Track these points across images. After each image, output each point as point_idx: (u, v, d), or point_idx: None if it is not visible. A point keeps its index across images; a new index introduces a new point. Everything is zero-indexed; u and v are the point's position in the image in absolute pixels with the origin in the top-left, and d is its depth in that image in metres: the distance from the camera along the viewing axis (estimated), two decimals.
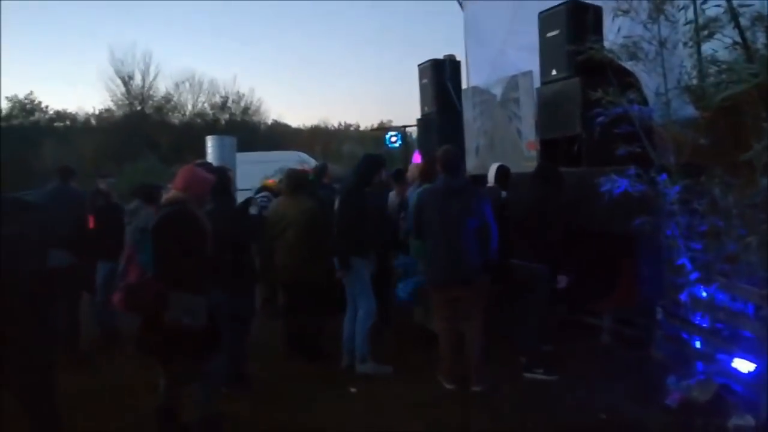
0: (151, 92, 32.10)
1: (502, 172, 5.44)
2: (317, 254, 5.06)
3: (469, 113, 7.57)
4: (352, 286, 4.96)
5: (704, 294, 3.89)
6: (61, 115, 35.57)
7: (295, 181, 5.42)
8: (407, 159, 11.55)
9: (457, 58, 8.93)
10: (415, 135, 11.57)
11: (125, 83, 31.30)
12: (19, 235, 2.93)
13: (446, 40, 44.86)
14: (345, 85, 61.71)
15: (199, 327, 3.26)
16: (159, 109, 32.55)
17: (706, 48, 4.00)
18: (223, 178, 4.39)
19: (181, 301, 3.19)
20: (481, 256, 4.38)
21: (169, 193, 3.48)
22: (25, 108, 34.08)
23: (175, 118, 33.21)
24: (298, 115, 78.77)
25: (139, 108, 31.80)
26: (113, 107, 32.50)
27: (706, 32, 3.93)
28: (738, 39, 3.82)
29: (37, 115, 34.72)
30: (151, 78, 31.66)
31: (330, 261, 4.98)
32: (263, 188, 7.33)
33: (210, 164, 5.80)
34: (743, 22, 3.81)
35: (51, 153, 27.11)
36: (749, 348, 3.53)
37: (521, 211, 4.90)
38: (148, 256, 3.24)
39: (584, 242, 4.90)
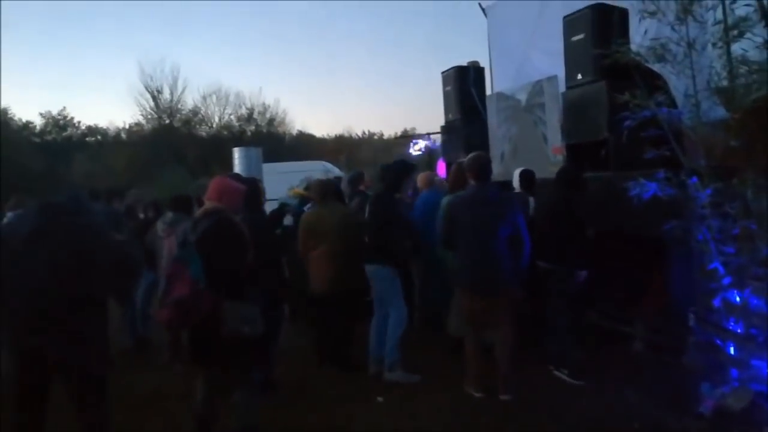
0: (179, 106, 32.78)
1: (525, 176, 5.41)
2: (352, 263, 5.07)
3: (493, 119, 7.54)
4: (383, 293, 4.94)
5: (738, 299, 3.79)
6: (92, 130, 36.50)
7: (324, 189, 5.44)
8: (431, 167, 11.53)
9: (481, 65, 8.92)
10: (438, 142, 11.54)
11: (154, 98, 32.01)
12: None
13: (470, 47, 44.89)
14: (368, 93, 62.10)
15: (256, 335, 3.28)
16: (187, 122, 33.14)
17: (736, 48, 3.92)
18: (254, 188, 4.44)
19: (237, 311, 3.23)
20: (514, 264, 4.35)
21: (205, 204, 3.52)
22: (59, 124, 35.03)
23: (203, 131, 33.78)
24: (322, 125, 79.68)
25: (167, 121, 32.43)
26: (143, 121, 33.27)
27: (735, 32, 3.84)
28: None
29: (69, 130, 35.67)
30: (179, 92, 32.34)
31: (362, 269, 4.98)
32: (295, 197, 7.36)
33: (240, 175, 5.87)
34: None
35: (84, 167, 27.80)
36: None
37: (544, 215, 4.85)
38: (197, 268, 3.21)
39: (614, 247, 4.83)
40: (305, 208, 6.36)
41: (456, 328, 5.43)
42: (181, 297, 3.13)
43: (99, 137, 36.36)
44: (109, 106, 53.36)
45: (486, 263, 4.36)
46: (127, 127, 35.19)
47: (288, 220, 5.48)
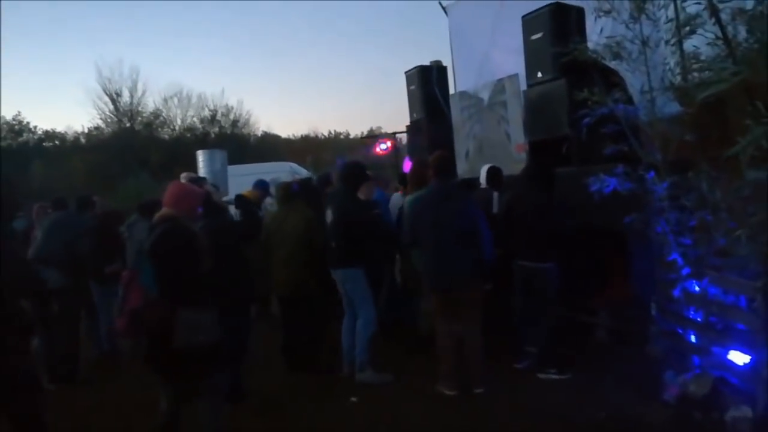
0: (139, 108, 32.04)
1: (492, 173, 5.48)
2: (316, 265, 5.05)
3: (457, 118, 7.60)
4: (351, 294, 4.95)
5: (697, 288, 3.92)
6: (50, 135, 35.45)
7: (288, 192, 5.41)
8: (398, 165, 11.57)
9: (444, 64, 8.98)
10: (405, 141, 11.58)
11: (113, 100, 31.23)
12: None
13: (434, 46, 45.06)
14: (333, 93, 61.79)
15: (211, 343, 3.24)
16: (148, 125, 32.48)
17: (688, 45, 4.04)
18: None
19: (190, 319, 3.18)
20: (476, 258, 4.40)
21: (161, 210, 3.47)
22: (14, 129, 33.95)
23: (165, 134, 33.14)
24: (287, 126, 78.94)
25: (128, 125, 31.72)
26: (102, 125, 32.45)
27: (687, 29, 3.96)
28: (719, 34, 3.87)
29: (25, 135, 34.60)
30: (139, 94, 31.61)
31: (326, 271, 4.98)
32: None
33: (204, 178, 5.81)
34: (723, 17, 3.85)
35: (41, 173, 27.02)
36: (743, 340, 3.56)
37: (515, 212, 4.92)
38: (148, 277, 3.19)
39: (577, 241, 4.92)
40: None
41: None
42: (135, 307, 3.11)
43: (57, 142, 35.35)
44: (66, 110, 51.98)
45: (449, 259, 4.42)
46: (85, 131, 34.28)
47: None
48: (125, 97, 31.39)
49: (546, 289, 4.77)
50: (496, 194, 5.38)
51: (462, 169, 7.33)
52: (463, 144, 7.46)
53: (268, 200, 6.81)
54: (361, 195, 5.11)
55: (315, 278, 5.08)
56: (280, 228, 5.20)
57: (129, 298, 3.20)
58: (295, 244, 5.09)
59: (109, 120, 31.94)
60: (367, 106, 60.34)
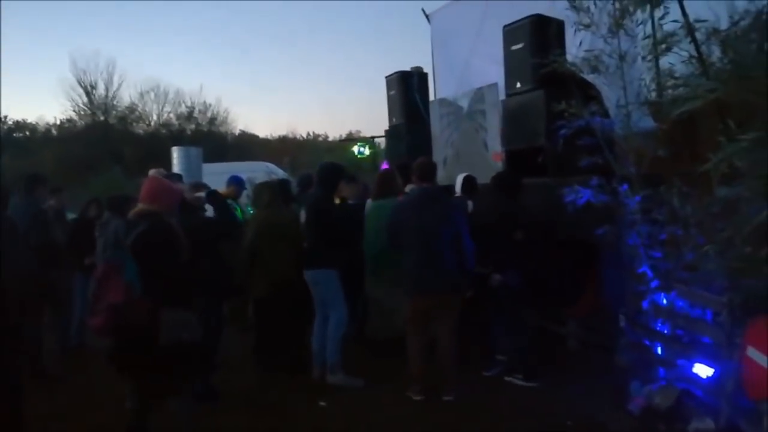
0: (114, 102, 31.61)
1: (468, 181, 5.51)
2: (298, 266, 5.02)
3: (436, 125, 7.63)
4: (323, 295, 4.93)
5: (664, 301, 3.98)
6: (20, 126, 34.75)
7: (273, 192, 5.36)
8: (375, 169, 11.58)
9: (425, 70, 9.02)
10: (383, 146, 11.60)
11: (88, 93, 30.77)
12: None
13: (415, 52, 45.25)
14: (313, 95, 61.76)
15: (195, 341, 3.19)
16: (123, 119, 32.02)
17: (664, 62, 4.12)
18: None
19: (175, 317, 3.13)
20: (458, 264, 4.42)
21: (138, 206, 3.40)
22: None
23: (140, 129, 32.72)
24: (265, 125, 78.58)
25: (102, 118, 31.24)
26: (75, 117, 31.90)
27: (663, 46, 4.04)
28: (694, 53, 3.95)
29: None
30: (114, 87, 31.20)
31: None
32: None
33: (178, 175, 5.72)
34: (699, 36, 3.94)
35: (10, 164, 26.38)
36: (708, 353, 3.62)
37: (482, 220, 4.94)
38: (132, 274, 3.11)
39: (550, 251, 4.97)
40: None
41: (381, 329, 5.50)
42: (116, 303, 3.03)
43: (27, 133, 34.66)
44: (38, 101, 50.89)
45: (430, 263, 4.42)
46: (58, 122, 33.67)
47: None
48: (100, 89, 30.98)
49: (511, 298, 4.79)
50: (470, 203, 5.40)
51: (440, 175, 7.34)
52: (441, 151, 7.50)
53: (245, 198, 6.74)
54: (347, 196, 5.19)
55: (299, 278, 5.04)
56: (266, 228, 5.12)
57: (106, 294, 3.10)
58: (283, 245, 5.03)
59: (82, 112, 31.46)
60: (347, 109, 60.41)
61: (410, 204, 4.64)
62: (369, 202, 5.95)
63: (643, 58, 4.21)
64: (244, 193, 6.59)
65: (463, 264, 4.45)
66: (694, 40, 3.97)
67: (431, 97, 8.70)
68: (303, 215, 5.04)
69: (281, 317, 5.15)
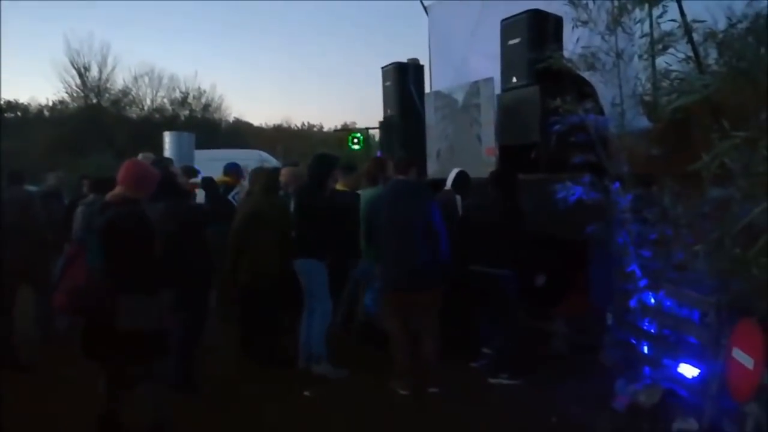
0: (108, 85, 31.18)
1: (461, 177, 5.47)
2: (285, 256, 4.98)
3: (431, 117, 7.60)
4: (309, 286, 4.91)
5: (652, 300, 3.99)
6: (12, 106, 34.27)
7: (269, 180, 5.31)
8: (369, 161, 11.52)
9: (421, 62, 8.98)
10: (378, 137, 11.55)
11: (81, 75, 30.32)
12: None
13: (412, 44, 45.10)
14: (309, 85, 61.40)
15: (151, 330, 3.15)
16: (116, 102, 31.67)
17: (660, 61, 4.12)
18: (167, 173, 4.29)
19: (133, 304, 3.09)
20: (432, 259, 4.34)
21: (116, 189, 3.35)
22: None
23: (133, 113, 32.37)
24: (260, 114, 78.07)
25: (95, 101, 30.86)
26: (68, 99, 31.51)
27: (660, 46, 4.04)
28: (691, 53, 3.94)
29: None
30: (108, 70, 30.75)
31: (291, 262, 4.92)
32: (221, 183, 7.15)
33: (170, 159, 5.66)
34: (696, 37, 3.93)
35: (1, 145, 26.13)
36: (694, 353, 3.64)
37: (477, 217, 4.92)
38: (94, 256, 3.09)
39: (539, 248, 4.96)
40: (231, 196, 6.22)
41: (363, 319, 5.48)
42: (77, 284, 3.01)
43: (19, 113, 34.27)
44: (30, 81, 50.25)
45: (405, 258, 4.36)
46: (50, 104, 33.28)
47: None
48: (94, 72, 30.53)
49: (503, 296, 4.77)
50: (459, 198, 5.36)
51: (432, 169, 7.34)
52: (435, 144, 7.48)
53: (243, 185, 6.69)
54: (346, 186, 5.24)
55: (289, 266, 5.01)
56: (252, 216, 5.05)
57: (69, 273, 3.08)
58: (269, 234, 4.96)
59: (75, 94, 31.04)
60: (342, 100, 60.27)
61: (383, 198, 4.59)
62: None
63: (640, 56, 4.20)
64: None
65: (436, 257, 4.35)
66: (691, 41, 3.97)
67: (427, 90, 8.66)
68: (292, 204, 5.01)
69: (266, 307, 5.10)
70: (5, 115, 33.41)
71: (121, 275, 3.09)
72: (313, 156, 5.33)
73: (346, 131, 18.16)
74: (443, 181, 5.74)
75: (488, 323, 4.98)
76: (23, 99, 35.70)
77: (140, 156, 5.60)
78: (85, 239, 3.16)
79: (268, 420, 4.11)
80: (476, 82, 6.71)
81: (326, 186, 4.94)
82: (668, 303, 3.88)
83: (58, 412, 4.12)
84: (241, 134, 34.21)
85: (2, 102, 33.20)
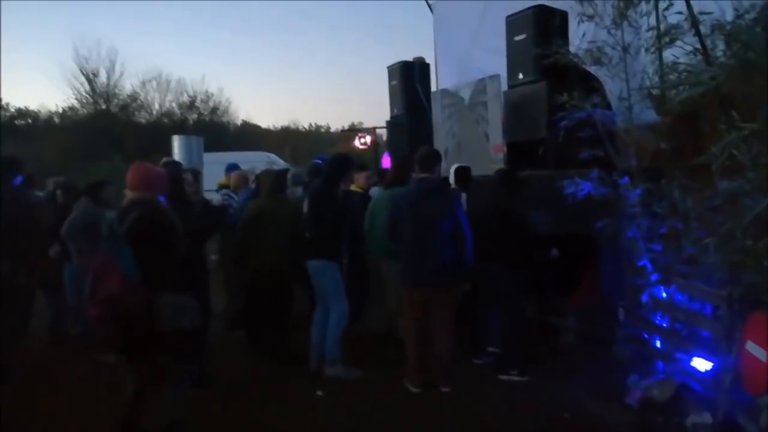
0: (116, 90, 31.37)
1: (461, 173, 5.46)
2: (290, 256, 4.98)
3: (437, 116, 7.60)
4: (324, 288, 4.90)
5: (664, 294, 3.97)
6: (22, 113, 34.58)
7: (277, 181, 5.33)
8: (377, 161, 11.55)
9: (427, 61, 8.97)
10: (385, 137, 11.57)
11: (90, 81, 30.54)
12: None
13: (417, 42, 45.01)
14: (315, 86, 61.45)
15: (194, 327, 3.19)
16: (125, 108, 31.86)
17: (667, 54, 4.09)
18: (175, 175, 4.32)
19: (174, 303, 3.12)
20: (456, 257, 4.36)
21: (129, 194, 3.38)
22: None
23: (142, 118, 32.55)
24: (267, 116, 78.25)
25: (104, 107, 31.08)
26: (77, 105, 31.73)
27: (667, 39, 4.01)
28: (698, 46, 3.92)
29: None
30: (116, 76, 30.96)
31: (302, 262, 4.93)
32: (221, 186, 7.20)
33: (179, 163, 5.70)
34: (703, 30, 3.91)
35: (11, 151, 26.34)
36: (707, 347, 3.62)
37: (482, 215, 4.91)
38: (128, 261, 3.08)
39: (548, 243, 4.95)
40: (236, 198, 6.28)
41: (377, 322, 5.48)
42: (113, 293, 3.01)
43: (29, 120, 34.56)
44: (40, 88, 50.61)
45: (428, 255, 4.37)
46: (60, 110, 33.54)
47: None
48: (102, 78, 30.75)
49: (507, 294, 4.77)
50: (464, 195, 5.35)
51: (441, 167, 7.32)
52: (442, 142, 7.47)
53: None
54: (361, 186, 5.24)
55: (296, 270, 5.02)
56: (268, 217, 5.07)
57: (103, 284, 3.05)
58: (285, 234, 4.98)
59: (84, 101, 31.25)
60: (349, 100, 60.11)
61: (409, 195, 4.59)
62: (376, 190, 5.94)
63: (647, 50, 4.18)
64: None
65: (462, 256, 4.39)
66: (698, 33, 3.94)
67: (433, 88, 8.65)
68: (305, 205, 5.01)
69: (271, 306, 5.11)
70: (16, 122, 33.73)
71: (156, 275, 3.11)
72: (330, 157, 5.35)
73: (354, 131, 18.20)
74: (446, 178, 5.73)
75: (493, 321, 4.97)
76: (33, 106, 36.07)
77: (163, 161, 5.64)
78: (110, 248, 3.14)
79: (279, 418, 4.12)
80: (482, 80, 6.70)
81: (339, 187, 4.95)
82: (680, 297, 3.86)
83: (70, 412, 4.17)
84: (249, 137, 34.30)
85: (11, 107, 33.53)
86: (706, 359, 3.62)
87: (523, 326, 4.89)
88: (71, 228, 5.43)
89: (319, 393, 4.52)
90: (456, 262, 4.38)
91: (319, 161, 6.44)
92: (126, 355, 3.26)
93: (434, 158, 4.67)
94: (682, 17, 3.96)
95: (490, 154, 6.50)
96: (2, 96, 33.53)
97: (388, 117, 9.10)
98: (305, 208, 5.00)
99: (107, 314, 3.06)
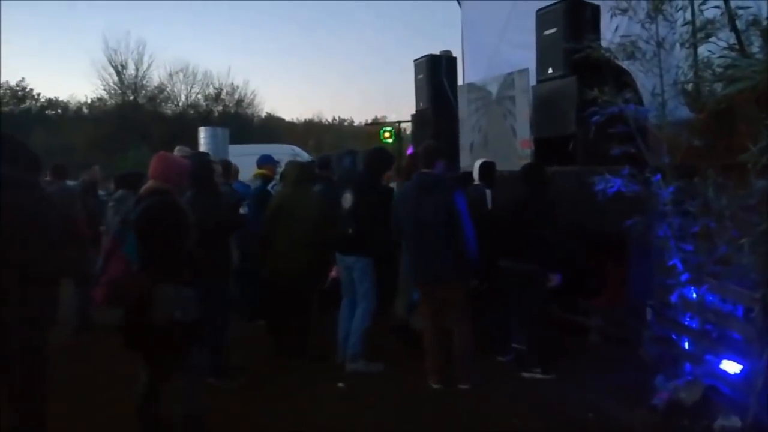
0: (144, 82, 31.95)
1: (486, 168, 5.38)
2: (322, 251, 4.98)
3: (464, 110, 7.55)
4: (357, 283, 4.86)
5: (694, 295, 3.89)
6: (52, 103, 35.36)
7: (304, 172, 5.33)
8: (401, 155, 11.52)
9: (454, 54, 8.91)
10: (409, 131, 11.53)
11: (118, 72, 31.13)
12: None
13: (443, 36, 44.82)
14: (340, 79, 61.74)
15: (188, 320, 3.19)
16: (152, 99, 32.35)
17: (702, 50, 4.00)
18: (203, 165, 4.33)
19: (169, 294, 3.13)
20: (457, 254, 4.25)
21: (148, 182, 3.40)
22: (17, 95, 33.82)
23: (168, 109, 33.04)
24: (292, 109, 78.91)
25: (132, 98, 31.60)
26: (106, 96, 32.34)
27: (703, 33, 3.91)
28: (734, 41, 3.82)
29: (28, 102, 34.49)
30: (144, 68, 31.51)
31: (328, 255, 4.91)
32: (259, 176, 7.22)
33: (207, 154, 5.74)
34: (739, 25, 3.81)
35: (42, 141, 26.89)
36: (737, 350, 3.54)
37: (507, 211, 4.85)
38: (131, 248, 3.13)
39: (576, 241, 4.89)
40: (270, 188, 6.27)
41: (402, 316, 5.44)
42: (115, 276, 3.06)
43: (59, 111, 35.28)
44: (70, 79, 51.70)
45: (428, 253, 4.31)
46: (89, 101, 34.18)
47: (243, 209, 5.38)
48: (130, 69, 31.32)
49: (533, 291, 4.71)
50: (489, 192, 5.29)
51: (466, 162, 7.28)
52: (468, 137, 7.42)
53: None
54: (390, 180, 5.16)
55: (321, 264, 5.01)
56: (290, 209, 5.05)
57: (108, 267, 3.12)
58: (312, 227, 4.94)
59: (112, 92, 31.86)
60: (373, 94, 60.32)
61: (407, 192, 4.51)
62: (396, 184, 5.92)
63: (682, 45, 4.08)
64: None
65: (462, 253, 4.24)
66: (734, 28, 3.84)
67: (459, 82, 8.59)
68: (348, 199, 4.91)
69: (292, 301, 5.09)
70: (46, 112, 34.40)
71: (156, 265, 3.13)
72: (369, 151, 5.32)
73: (377, 125, 18.16)
74: (470, 174, 5.68)
75: (518, 318, 4.93)
76: (63, 96, 36.74)
77: (176, 149, 5.69)
78: (120, 233, 3.19)
79: (299, 411, 4.15)
80: (511, 74, 6.63)
81: (381, 182, 4.91)
82: (711, 298, 3.77)
83: (95, 402, 4.25)
84: (274, 129, 34.59)
85: (42, 98, 34.14)
86: (737, 362, 3.55)
87: (547, 324, 4.84)
88: (113, 218, 5.48)
89: (341, 385, 4.53)
90: (458, 260, 4.26)
91: (327, 154, 6.44)
92: (128, 343, 3.27)
93: (436, 153, 4.48)
94: (719, 12, 3.86)
95: (517, 150, 6.44)
96: (26, 86, 34.04)
97: (412, 111, 9.08)
98: (347, 201, 4.92)
99: (109, 297, 3.10)
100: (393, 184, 5.89)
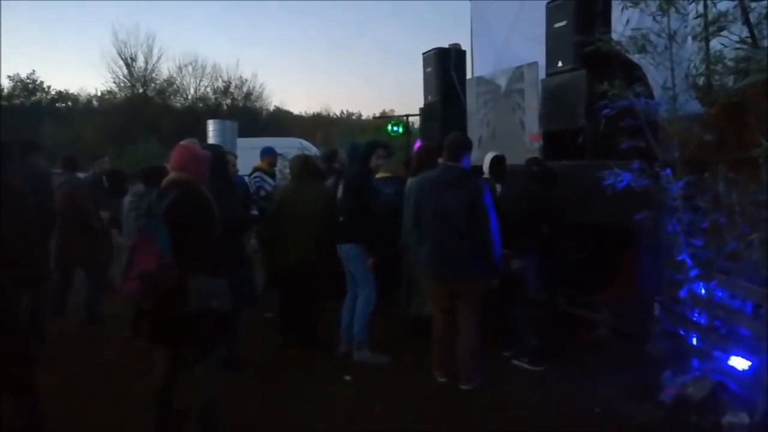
0: (153, 75, 31.98)
1: (496, 162, 5.35)
2: (326, 242, 4.99)
3: (472, 103, 7.51)
4: (353, 271, 4.92)
5: (703, 291, 3.86)
6: (63, 96, 35.54)
7: (309, 166, 5.34)
8: (409, 148, 11.49)
9: (463, 48, 8.85)
10: (417, 124, 11.51)
11: (128, 65, 31.17)
12: None
13: (452, 29, 44.60)
14: (348, 73, 61.52)
15: (224, 310, 3.21)
16: (161, 92, 32.41)
17: (715, 43, 3.95)
18: (218, 158, 4.33)
19: (205, 285, 3.15)
20: (480, 251, 4.18)
21: (172, 173, 3.40)
22: (27, 87, 34.01)
23: (178, 102, 33.08)
24: (300, 102, 78.73)
25: (141, 90, 31.66)
26: (115, 89, 32.41)
27: (715, 27, 3.87)
28: (746, 35, 3.78)
29: (38, 95, 34.69)
30: (154, 60, 31.54)
31: (334, 247, 4.93)
32: (256, 169, 7.24)
33: (219, 146, 5.75)
34: (752, 18, 3.76)
35: (52, 133, 27.06)
36: (746, 346, 3.52)
37: (509, 204, 4.83)
38: (164, 240, 3.10)
39: (584, 235, 4.87)
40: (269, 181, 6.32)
41: (416, 307, 5.43)
42: (148, 270, 3.05)
43: (69, 103, 35.45)
44: (80, 72, 51.88)
45: (449, 248, 4.24)
46: (98, 94, 34.30)
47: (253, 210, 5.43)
48: (140, 62, 31.36)
49: (524, 284, 4.70)
50: (499, 186, 5.25)
51: (474, 155, 7.23)
52: (476, 130, 7.39)
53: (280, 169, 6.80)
54: (386, 171, 5.23)
55: (325, 255, 5.02)
56: (294, 202, 5.08)
57: (139, 261, 3.09)
58: (317, 219, 4.97)
59: (122, 84, 31.94)
60: (382, 87, 60.17)
61: (430, 184, 4.39)
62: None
63: (694, 38, 4.04)
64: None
65: (486, 251, 4.18)
66: (747, 21, 3.80)
67: (468, 75, 8.55)
68: (340, 189, 5.00)
69: (299, 293, 5.12)
70: (56, 105, 34.57)
71: (190, 256, 3.13)
72: (361, 144, 5.35)
73: (385, 118, 18.15)
74: (480, 167, 5.65)
75: (515, 310, 4.92)
76: (73, 89, 36.89)
77: (183, 141, 5.69)
78: (147, 226, 3.18)
79: (308, 401, 4.16)
80: (520, 67, 6.59)
81: (369, 171, 4.93)
82: (720, 293, 3.75)
83: (104, 392, 4.28)
84: (282, 122, 34.56)
85: (52, 90, 34.32)
86: (745, 358, 3.53)
87: (543, 317, 4.83)
88: (130, 211, 5.49)
89: (348, 377, 4.54)
90: (480, 257, 4.18)
91: (334, 148, 6.45)
92: (157, 334, 3.29)
93: (464, 147, 4.39)
94: (731, 5, 3.82)
95: (526, 143, 6.41)
96: (37, 78, 34.26)
97: (420, 104, 9.04)
98: (339, 192, 5.00)
99: (142, 291, 3.10)
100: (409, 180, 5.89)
